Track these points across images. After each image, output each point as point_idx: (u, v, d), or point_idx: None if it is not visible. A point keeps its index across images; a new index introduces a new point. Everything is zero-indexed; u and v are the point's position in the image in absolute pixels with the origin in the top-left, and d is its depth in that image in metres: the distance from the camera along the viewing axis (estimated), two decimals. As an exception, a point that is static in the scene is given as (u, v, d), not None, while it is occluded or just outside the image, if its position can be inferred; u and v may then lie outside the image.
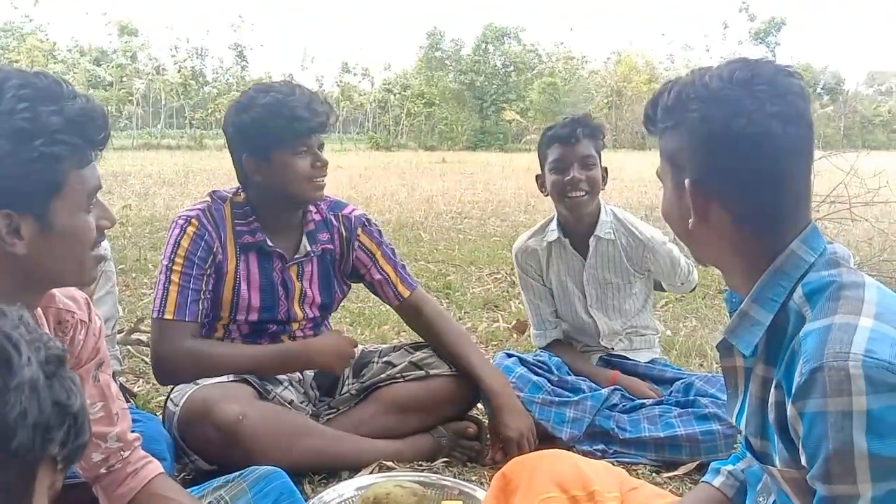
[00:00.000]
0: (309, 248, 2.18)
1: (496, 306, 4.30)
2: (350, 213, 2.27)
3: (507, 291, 4.66)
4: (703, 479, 1.41)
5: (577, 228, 2.47)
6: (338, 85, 55.06)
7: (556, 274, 2.54)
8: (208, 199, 2.15)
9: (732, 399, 1.18)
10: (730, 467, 1.36)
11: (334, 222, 2.25)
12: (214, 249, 2.08)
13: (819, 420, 0.91)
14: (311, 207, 2.20)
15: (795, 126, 1.03)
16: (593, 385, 2.39)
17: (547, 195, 2.44)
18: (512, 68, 51.96)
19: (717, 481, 1.36)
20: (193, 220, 2.08)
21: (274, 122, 1.99)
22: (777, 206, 1.06)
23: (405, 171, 17.83)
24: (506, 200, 11.01)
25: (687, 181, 1.07)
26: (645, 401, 2.32)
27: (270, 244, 2.12)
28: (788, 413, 0.96)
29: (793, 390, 0.95)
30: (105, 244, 1.99)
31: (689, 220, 1.10)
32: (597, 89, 50.74)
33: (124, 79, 47.32)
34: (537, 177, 2.48)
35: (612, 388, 2.36)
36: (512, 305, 4.28)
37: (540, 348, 2.60)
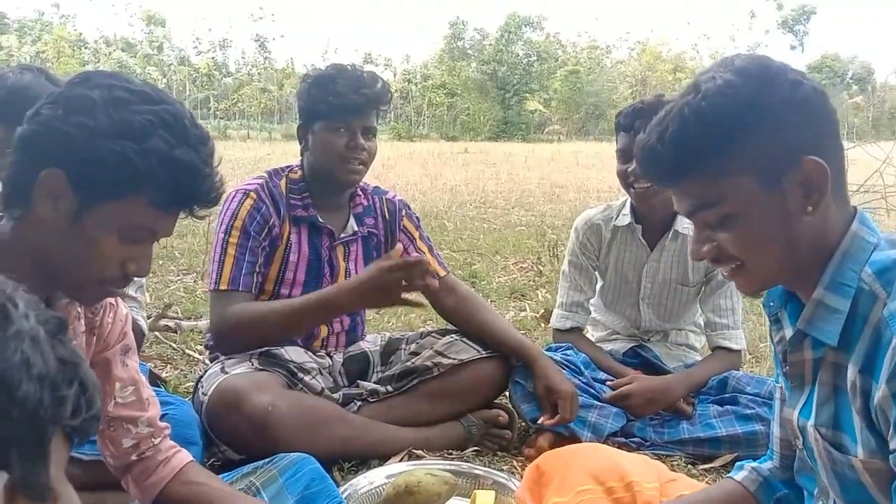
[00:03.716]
0: (356, 229, 2.23)
1: (523, 295, 4.26)
2: (393, 198, 2.35)
3: (534, 281, 4.62)
4: (728, 475, 1.39)
5: (652, 218, 2.34)
6: (360, 75, 55.14)
7: (616, 259, 2.42)
8: (265, 175, 2.19)
9: (797, 392, 1.13)
10: (754, 464, 1.34)
11: (378, 206, 2.30)
12: (271, 223, 2.11)
13: None
14: (359, 192, 2.25)
15: None
16: None
17: None
18: (535, 58, 51.71)
19: (740, 476, 1.34)
20: (252, 194, 2.10)
21: (315, 95, 2.10)
22: (844, 183, 1.06)
23: (427, 161, 17.80)
24: (529, 190, 10.95)
25: (806, 158, 0.99)
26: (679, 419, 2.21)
27: (321, 220, 2.16)
28: (878, 395, 0.92)
29: (883, 371, 0.91)
30: (140, 284, 2.00)
31: (806, 211, 1.01)
32: (621, 79, 50.32)
33: (148, 69, 47.80)
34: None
35: None
36: (539, 294, 4.24)
37: (557, 331, 2.47)
